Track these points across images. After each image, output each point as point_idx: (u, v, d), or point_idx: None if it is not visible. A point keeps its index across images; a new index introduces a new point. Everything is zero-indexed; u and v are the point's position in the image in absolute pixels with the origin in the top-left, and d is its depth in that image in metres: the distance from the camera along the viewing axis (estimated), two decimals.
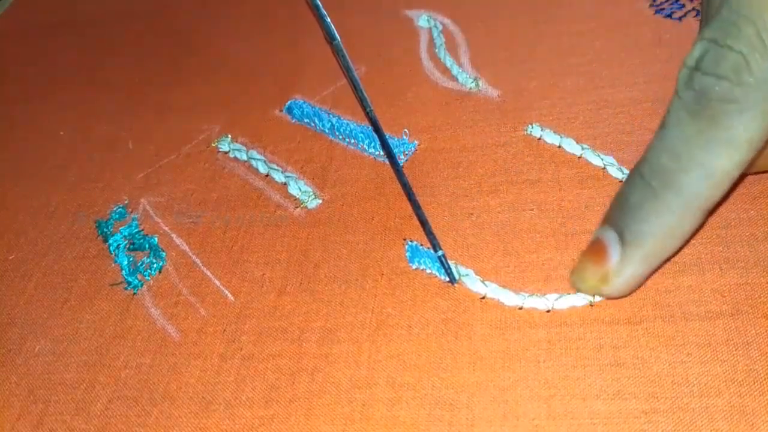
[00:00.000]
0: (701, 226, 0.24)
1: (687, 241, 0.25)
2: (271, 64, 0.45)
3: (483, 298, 0.28)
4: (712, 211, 0.24)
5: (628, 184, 0.25)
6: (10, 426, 0.29)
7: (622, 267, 0.25)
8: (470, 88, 0.39)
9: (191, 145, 0.40)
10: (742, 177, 0.24)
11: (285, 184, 0.36)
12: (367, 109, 0.31)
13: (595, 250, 0.25)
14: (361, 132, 0.37)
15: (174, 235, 0.35)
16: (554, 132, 0.34)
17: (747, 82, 0.21)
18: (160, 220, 0.36)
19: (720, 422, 0.23)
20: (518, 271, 0.29)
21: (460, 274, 0.29)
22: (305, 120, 0.39)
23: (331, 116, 0.39)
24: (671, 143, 0.23)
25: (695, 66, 0.22)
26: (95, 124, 0.44)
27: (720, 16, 0.22)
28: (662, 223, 0.23)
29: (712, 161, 0.22)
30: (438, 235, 0.30)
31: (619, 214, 0.25)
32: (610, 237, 0.25)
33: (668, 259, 0.26)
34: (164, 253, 0.34)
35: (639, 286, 0.26)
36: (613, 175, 0.32)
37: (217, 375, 0.28)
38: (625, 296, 0.26)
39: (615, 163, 0.32)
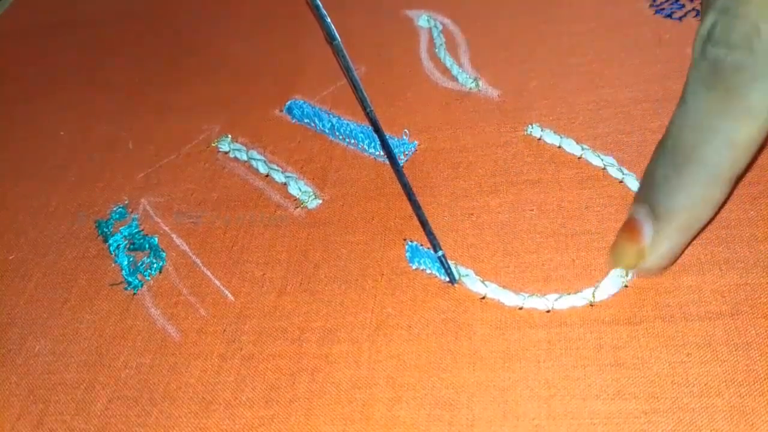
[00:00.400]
0: (731, 193, 0.24)
1: (719, 209, 0.25)
2: (271, 64, 0.45)
3: (483, 298, 0.28)
4: (740, 177, 0.24)
5: (654, 160, 0.25)
6: (10, 426, 0.29)
7: (657, 242, 0.25)
8: (470, 89, 0.39)
9: (191, 145, 0.40)
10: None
11: (285, 184, 0.36)
12: (367, 109, 0.31)
13: (630, 227, 0.26)
14: (361, 132, 0.37)
15: (174, 235, 0.35)
16: (554, 132, 0.34)
17: (758, 50, 0.21)
18: (160, 220, 0.36)
19: (720, 422, 0.23)
20: (518, 272, 0.29)
21: (460, 275, 0.29)
22: (305, 120, 0.39)
23: (331, 116, 0.39)
24: (690, 116, 0.23)
25: (707, 36, 0.22)
26: (95, 124, 0.44)
27: None
28: (690, 196, 0.24)
29: (732, 131, 0.22)
30: (438, 235, 0.30)
31: (649, 189, 0.25)
32: (643, 213, 0.25)
33: (703, 228, 0.26)
34: (164, 253, 0.34)
35: (676, 259, 0.26)
36: (613, 175, 0.32)
37: (217, 375, 0.28)
38: (665, 269, 0.27)
39: (615, 163, 0.32)
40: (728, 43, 0.21)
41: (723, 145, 0.22)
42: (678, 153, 0.23)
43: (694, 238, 0.26)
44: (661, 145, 0.24)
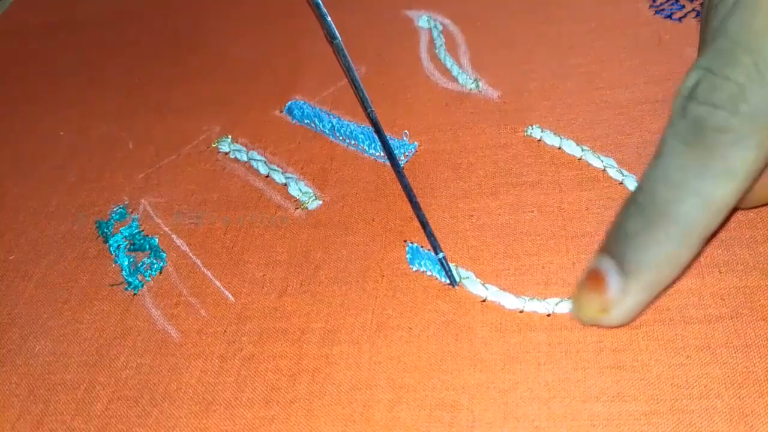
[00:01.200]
0: (699, 254, 0.24)
1: (686, 269, 0.25)
2: (271, 64, 0.45)
3: (484, 301, 0.28)
4: (709, 239, 0.24)
5: (625, 213, 0.24)
6: (10, 426, 0.29)
7: (623, 297, 0.24)
8: (470, 89, 0.39)
9: (191, 145, 0.40)
10: (735, 209, 0.24)
11: (285, 185, 0.36)
12: (368, 110, 0.31)
13: (594, 280, 0.25)
14: (362, 133, 0.37)
15: (174, 236, 0.35)
16: (554, 133, 0.34)
17: (743, 112, 0.21)
18: (160, 221, 0.36)
19: (720, 424, 0.23)
20: (518, 274, 0.29)
21: (460, 277, 0.29)
22: (305, 121, 0.39)
23: (331, 117, 0.39)
24: (667, 172, 0.23)
25: (689, 95, 0.22)
26: (95, 124, 0.43)
27: (716, 44, 0.21)
28: (660, 253, 0.23)
29: (709, 191, 0.22)
30: (438, 236, 0.30)
31: (617, 243, 0.24)
32: (609, 266, 0.24)
33: (668, 288, 0.25)
34: (165, 254, 0.34)
35: (638, 315, 0.26)
36: (613, 176, 0.32)
37: (217, 376, 0.28)
38: (625, 325, 0.26)
39: (615, 164, 0.32)
40: (712, 103, 0.21)
41: (698, 204, 0.22)
42: (650, 208, 0.23)
43: (658, 296, 0.25)
44: (633, 199, 0.24)
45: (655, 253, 0.23)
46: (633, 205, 0.24)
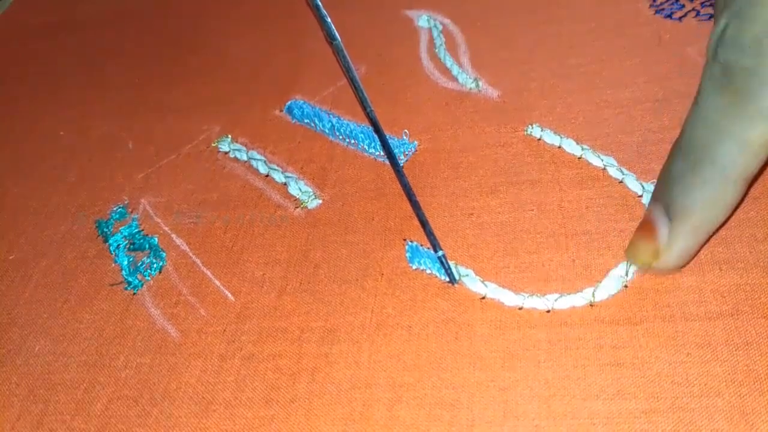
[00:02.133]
0: (745, 194, 0.24)
1: (733, 211, 0.25)
2: (271, 64, 0.45)
3: (483, 298, 0.28)
4: (755, 178, 0.24)
5: (670, 159, 0.25)
6: (10, 426, 0.29)
7: (672, 241, 0.25)
8: (470, 89, 0.39)
9: (191, 145, 0.40)
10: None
11: (285, 184, 0.36)
12: (367, 110, 0.31)
13: (646, 226, 0.26)
14: (362, 132, 0.37)
15: (174, 235, 0.35)
16: (554, 132, 0.34)
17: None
18: (160, 220, 0.36)
19: (720, 422, 0.23)
20: (518, 272, 0.29)
21: (460, 275, 0.29)
22: (305, 120, 0.39)
23: (331, 116, 0.39)
24: (704, 115, 0.23)
25: (718, 39, 0.22)
26: (95, 124, 0.44)
27: None
28: (704, 196, 0.24)
29: (744, 132, 0.22)
30: (438, 235, 0.30)
31: (664, 188, 0.25)
32: (658, 212, 0.25)
33: (716, 231, 0.26)
34: (164, 253, 0.34)
35: (691, 259, 0.26)
36: (614, 175, 0.32)
37: (217, 375, 0.28)
38: (680, 268, 0.27)
39: (615, 163, 0.32)
40: (739, 46, 0.21)
41: (735, 146, 0.22)
42: (692, 152, 0.24)
43: (709, 238, 0.26)
44: (677, 144, 0.25)
45: (700, 195, 0.24)
46: (676, 149, 0.25)
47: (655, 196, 0.26)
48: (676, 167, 0.25)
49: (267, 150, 0.38)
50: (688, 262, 0.26)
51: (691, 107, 0.24)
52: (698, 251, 0.26)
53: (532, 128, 0.35)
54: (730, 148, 0.22)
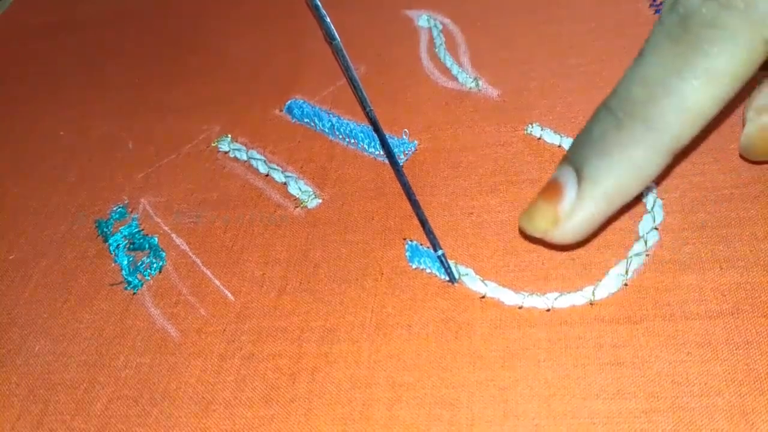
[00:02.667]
0: (664, 170, 0.22)
1: (645, 185, 0.23)
2: (271, 64, 0.45)
3: (483, 297, 0.28)
4: (679, 156, 0.22)
5: (592, 119, 0.22)
6: (10, 426, 0.29)
7: (577, 207, 0.22)
8: (470, 88, 0.39)
9: (191, 145, 0.40)
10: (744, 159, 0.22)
11: (285, 183, 0.36)
12: (367, 109, 0.31)
13: (549, 188, 0.23)
14: (361, 132, 0.37)
15: (174, 235, 0.35)
16: (554, 132, 0.34)
17: (736, 6, 0.19)
18: (160, 220, 0.36)
19: (720, 422, 0.23)
20: (518, 270, 0.29)
21: (459, 274, 0.29)
22: (305, 120, 0.39)
23: (331, 116, 0.39)
24: (645, 71, 0.21)
25: None
26: (95, 124, 0.44)
27: None
28: (625, 158, 0.21)
29: (688, 92, 0.20)
30: (438, 234, 0.30)
31: (580, 149, 0.23)
32: (567, 174, 0.23)
33: (623, 209, 0.23)
34: (164, 253, 0.34)
35: (589, 233, 0.24)
36: None
37: (217, 375, 0.28)
38: (574, 242, 0.24)
39: None
40: None
41: (675, 105, 0.20)
42: (621, 110, 0.21)
43: (613, 215, 0.24)
44: (603, 104, 0.22)
45: (619, 158, 0.21)
46: (602, 108, 0.22)
47: (567, 157, 0.23)
48: (598, 127, 0.22)
49: (267, 149, 0.38)
50: (585, 236, 0.24)
51: (629, 68, 0.22)
52: (600, 225, 0.24)
53: (532, 127, 0.35)
54: (668, 107, 0.20)
